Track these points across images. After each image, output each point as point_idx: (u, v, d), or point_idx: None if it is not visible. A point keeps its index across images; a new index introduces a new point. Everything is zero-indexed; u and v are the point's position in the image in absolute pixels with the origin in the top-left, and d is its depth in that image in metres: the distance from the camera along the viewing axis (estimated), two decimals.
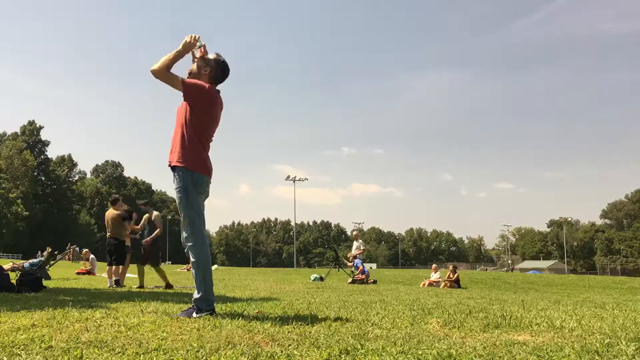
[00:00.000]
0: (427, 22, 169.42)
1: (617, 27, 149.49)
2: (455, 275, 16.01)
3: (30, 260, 14.64)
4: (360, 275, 15.35)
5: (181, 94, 3.98)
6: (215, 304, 4.05)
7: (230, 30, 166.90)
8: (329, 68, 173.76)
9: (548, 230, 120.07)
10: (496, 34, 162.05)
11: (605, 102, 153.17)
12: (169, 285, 9.52)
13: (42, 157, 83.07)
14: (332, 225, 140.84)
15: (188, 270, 19.75)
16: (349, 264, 16.84)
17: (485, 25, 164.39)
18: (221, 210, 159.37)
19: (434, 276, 16.62)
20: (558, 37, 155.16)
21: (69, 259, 32.02)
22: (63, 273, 16.54)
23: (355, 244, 16.73)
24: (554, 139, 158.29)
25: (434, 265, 18.08)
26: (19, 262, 19.84)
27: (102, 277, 16.04)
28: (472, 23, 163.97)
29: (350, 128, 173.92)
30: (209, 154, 4.11)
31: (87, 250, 21.13)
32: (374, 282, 15.19)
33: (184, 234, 3.97)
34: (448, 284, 15.46)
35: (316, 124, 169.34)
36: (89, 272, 18.01)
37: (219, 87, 4.16)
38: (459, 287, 15.22)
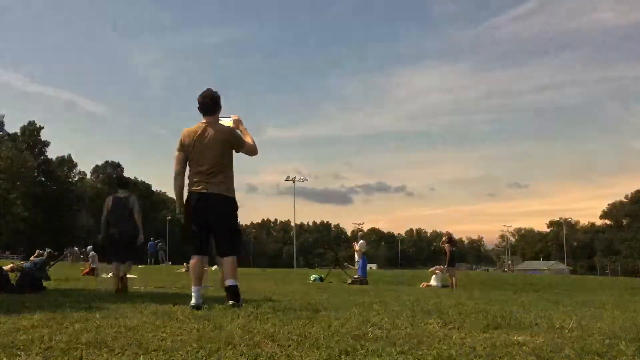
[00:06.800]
0: (427, 16, 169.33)
1: (619, 19, 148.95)
2: (451, 249, 14.84)
3: (33, 259, 14.51)
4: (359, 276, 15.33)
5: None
6: (215, 305, 4.06)
7: (227, 29, 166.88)
8: (328, 65, 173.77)
9: (548, 230, 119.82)
10: (480, 28, 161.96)
11: (606, 101, 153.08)
12: None
13: (42, 157, 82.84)
14: (332, 226, 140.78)
15: (187, 270, 19.71)
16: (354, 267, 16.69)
17: (484, 17, 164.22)
18: None
19: (434, 282, 15.77)
20: (558, 34, 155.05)
21: (71, 260, 31.91)
22: (64, 274, 16.49)
23: (358, 243, 16.68)
24: (555, 138, 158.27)
25: (438, 267, 16.11)
26: (19, 262, 19.76)
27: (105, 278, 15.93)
28: (471, 15, 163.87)
29: (351, 126, 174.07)
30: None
31: (90, 247, 20.27)
32: (365, 282, 15.06)
33: None
34: (445, 267, 14.69)
35: (318, 122, 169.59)
36: (92, 271, 17.72)
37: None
38: (452, 266, 14.53)
